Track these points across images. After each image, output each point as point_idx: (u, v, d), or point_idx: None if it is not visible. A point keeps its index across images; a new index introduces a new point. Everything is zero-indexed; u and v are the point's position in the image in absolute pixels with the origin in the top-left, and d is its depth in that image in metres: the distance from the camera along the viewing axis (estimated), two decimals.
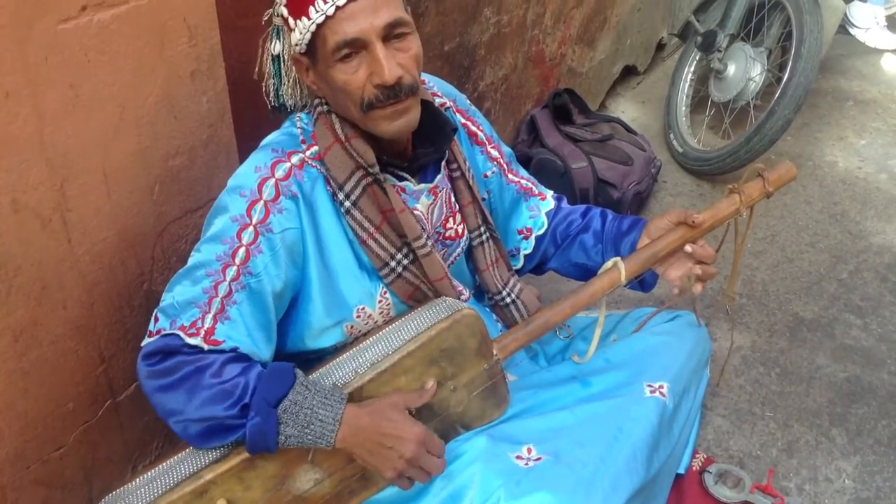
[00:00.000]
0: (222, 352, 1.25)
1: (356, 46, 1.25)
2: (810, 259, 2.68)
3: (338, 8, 1.22)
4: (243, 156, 1.56)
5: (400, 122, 1.31)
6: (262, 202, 1.29)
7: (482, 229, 1.57)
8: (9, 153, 1.15)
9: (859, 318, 2.39)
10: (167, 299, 1.28)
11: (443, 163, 1.49)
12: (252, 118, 1.59)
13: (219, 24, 1.44)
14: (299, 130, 1.39)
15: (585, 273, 1.64)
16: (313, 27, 1.24)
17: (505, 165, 1.68)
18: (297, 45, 1.29)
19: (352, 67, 1.26)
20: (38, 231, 1.23)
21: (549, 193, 1.75)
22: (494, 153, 1.66)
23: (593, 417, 1.46)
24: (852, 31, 4.25)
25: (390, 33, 1.26)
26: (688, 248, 1.53)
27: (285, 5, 1.29)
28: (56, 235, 1.26)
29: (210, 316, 1.26)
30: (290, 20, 1.28)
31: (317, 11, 1.23)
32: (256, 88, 1.54)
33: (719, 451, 1.92)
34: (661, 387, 1.54)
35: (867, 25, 4.20)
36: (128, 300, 1.45)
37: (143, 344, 1.27)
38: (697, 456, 1.83)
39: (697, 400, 1.72)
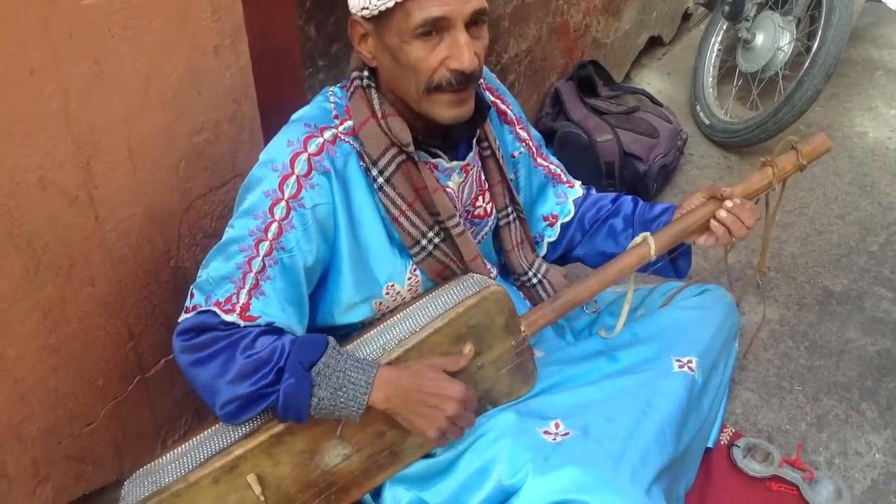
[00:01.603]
0: (257, 326, 1.25)
1: (439, 27, 1.22)
2: (840, 231, 2.64)
3: None
4: (267, 131, 1.55)
5: (458, 111, 1.30)
6: (294, 177, 1.28)
7: (510, 209, 1.56)
8: (35, 130, 1.16)
9: (890, 290, 2.36)
10: (202, 275, 1.28)
11: (474, 141, 1.48)
12: (276, 93, 1.58)
13: None
14: (332, 105, 1.37)
15: None
16: None
17: (535, 149, 1.66)
18: (366, 8, 1.24)
19: (430, 46, 1.23)
20: (65, 208, 1.24)
21: (578, 182, 1.72)
22: (523, 134, 1.63)
23: (621, 392, 1.45)
24: None
25: (473, 20, 1.24)
26: (736, 199, 1.48)
27: None
28: (83, 212, 1.27)
29: (245, 291, 1.26)
30: None
31: None
32: (280, 62, 1.53)
33: (748, 425, 1.90)
34: (689, 361, 1.53)
35: None
36: (155, 276, 1.45)
37: (179, 320, 1.28)
38: (726, 430, 1.82)
39: (727, 375, 1.71)
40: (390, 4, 1.21)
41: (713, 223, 1.49)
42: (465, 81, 1.26)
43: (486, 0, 1.25)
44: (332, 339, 1.28)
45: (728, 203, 1.47)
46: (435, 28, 1.22)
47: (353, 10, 1.28)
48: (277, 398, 1.22)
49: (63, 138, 1.20)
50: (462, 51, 1.23)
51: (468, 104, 1.31)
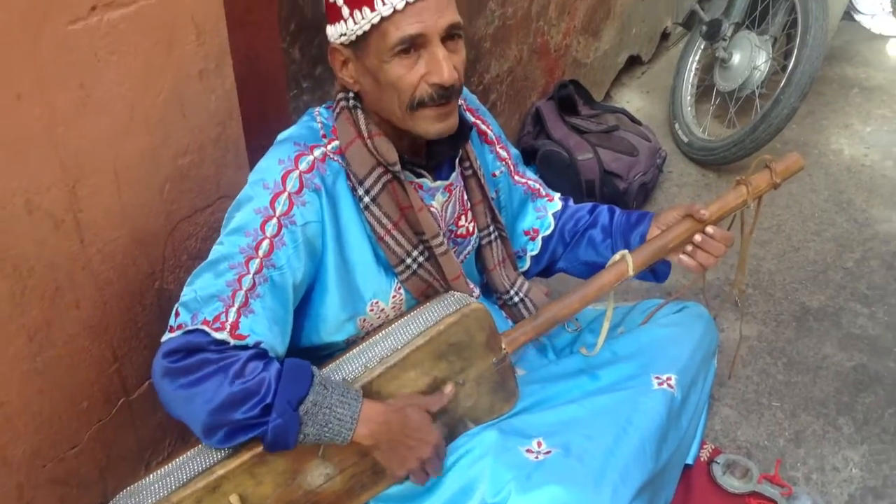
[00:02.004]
0: (245, 347, 1.25)
1: (417, 43, 1.25)
2: (816, 248, 2.69)
3: (408, 3, 1.21)
4: (252, 152, 1.57)
5: (444, 125, 1.33)
6: (285, 194, 1.29)
7: (491, 228, 1.58)
8: (21, 154, 1.16)
9: (866, 306, 2.40)
10: (188, 293, 1.28)
11: (457, 160, 1.50)
12: (261, 114, 1.60)
13: (226, 22, 1.44)
14: (319, 125, 1.39)
15: (594, 272, 1.65)
16: (377, 19, 1.23)
17: (512, 166, 1.69)
18: (343, 35, 1.28)
19: (409, 64, 1.26)
20: (52, 231, 1.24)
21: (557, 195, 1.75)
22: (503, 153, 1.66)
23: (602, 410, 1.47)
24: (858, 17, 4.24)
25: (448, 34, 1.27)
26: (709, 229, 1.52)
27: None
28: (69, 236, 1.27)
29: (234, 309, 1.25)
30: (344, 9, 1.26)
31: (384, 4, 1.21)
32: (265, 84, 1.54)
33: (727, 441, 1.93)
34: (668, 378, 1.55)
35: (873, 11, 4.19)
36: (139, 299, 1.46)
37: (163, 339, 1.27)
38: (705, 446, 1.84)
39: (705, 391, 1.73)
40: (367, 27, 1.24)
41: (683, 258, 1.54)
42: (446, 95, 1.28)
43: (458, 15, 1.28)
44: (316, 371, 1.29)
45: (697, 237, 1.52)
46: (412, 45, 1.25)
47: (332, 39, 1.31)
48: (265, 433, 1.22)
49: (50, 162, 1.21)
50: (441, 65, 1.25)
51: (452, 118, 1.34)
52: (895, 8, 4.25)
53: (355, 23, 1.25)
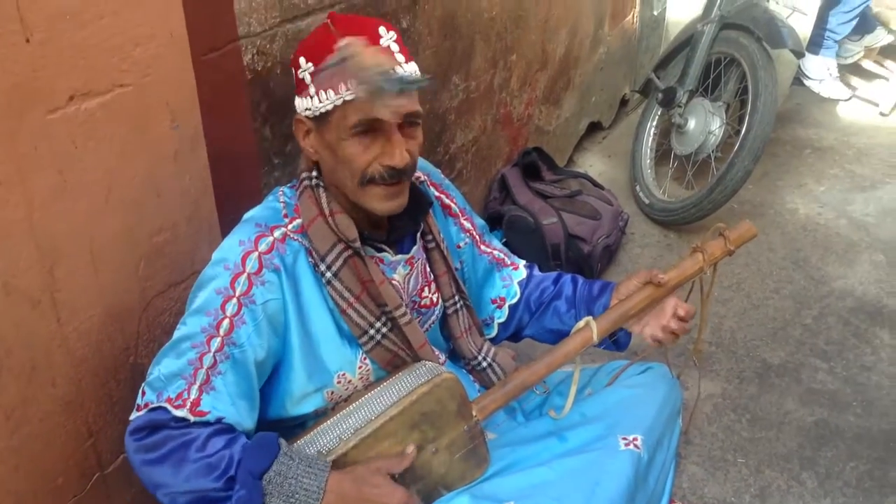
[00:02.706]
0: (207, 423, 1.29)
1: (374, 127, 1.33)
2: (775, 305, 2.77)
3: None
4: (225, 227, 1.61)
5: (392, 203, 1.40)
6: (245, 275, 1.34)
7: (456, 298, 1.64)
8: (0, 240, 1.20)
9: (825, 361, 2.47)
10: (153, 373, 1.32)
11: (418, 234, 1.56)
12: (234, 190, 1.65)
13: (200, 106, 1.50)
14: (282, 204, 1.45)
15: (560, 338, 1.70)
16: (339, 101, 1.31)
17: (477, 237, 1.75)
18: (308, 109, 1.37)
19: (365, 144, 1.34)
20: (29, 312, 1.27)
21: (521, 263, 1.81)
22: (467, 224, 1.73)
23: (571, 472, 1.50)
24: (807, 82, 4.42)
25: (406, 122, 1.35)
26: (680, 311, 1.60)
27: (311, 73, 1.35)
28: (45, 316, 1.30)
29: (195, 387, 1.30)
30: (311, 87, 1.35)
31: (347, 90, 1.30)
32: (237, 162, 1.60)
33: (695, 498, 1.97)
34: (635, 439, 1.58)
35: (821, 77, 4.37)
36: (114, 374, 1.48)
37: (130, 418, 1.31)
38: None
39: (671, 449, 1.77)
40: (330, 107, 1.33)
41: (649, 341, 1.63)
42: (396, 176, 1.36)
43: (418, 104, 1.37)
44: (283, 443, 1.32)
45: (673, 324, 1.60)
46: (370, 127, 1.33)
47: (299, 110, 1.40)
48: None
49: (27, 245, 1.24)
50: (394, 149, 1.34)
51: (401, 197, 1.41)
52: (841, 73, 4.45)
53: (320, 101, 1.34)
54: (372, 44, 1.32)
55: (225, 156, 1.59)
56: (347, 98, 1.30)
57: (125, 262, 1.44)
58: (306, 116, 1.39)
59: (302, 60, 1.37)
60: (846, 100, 4.42)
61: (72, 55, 1.23)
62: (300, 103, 1.39)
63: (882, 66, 4.68)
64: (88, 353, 1.41)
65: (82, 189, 1.31)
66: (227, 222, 1.62)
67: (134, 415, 1.31)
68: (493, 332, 1.79)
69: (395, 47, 1.35)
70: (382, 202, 1.39)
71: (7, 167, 1.19)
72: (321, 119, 1.37)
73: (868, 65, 4.66)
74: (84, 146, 1.30)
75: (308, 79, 1.36)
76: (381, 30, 1.35)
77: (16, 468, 1.32)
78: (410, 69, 1.35)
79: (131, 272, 1.46)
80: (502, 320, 1.78)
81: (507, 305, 1.77)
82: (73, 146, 1.28)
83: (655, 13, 4.21)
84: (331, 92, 1.32)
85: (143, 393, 1.32)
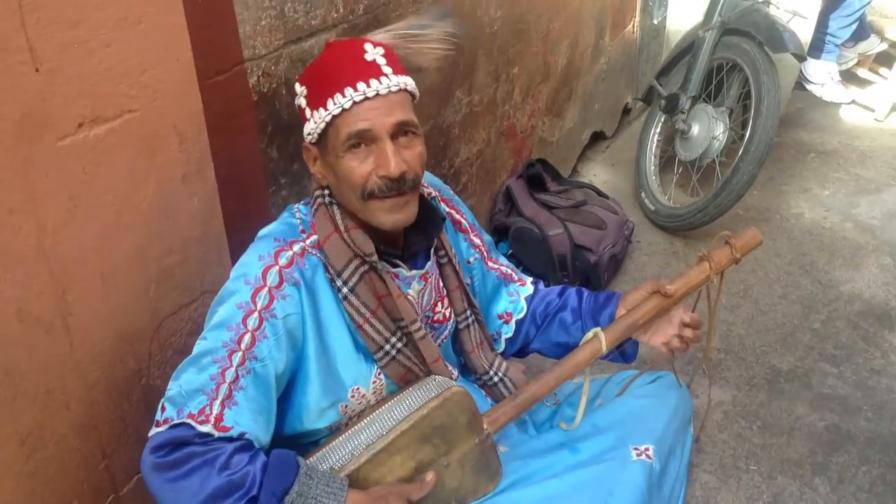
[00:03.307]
0: (230, 439, 1.29)
1: (366, 138, 1.36)
2: (783, 311, 2.77)
3: (355, 103, 1.33)
4: (234, 247, 1.63)
5: (399, 216, 1.41)
6: (266, 289, 1.35)
7: (468, 313, 1.65)
8: (13, 266, 1.21)
9: (834, 366, 2.47)
10: (174, 388, 1.32)
11: (432, 250, 1.57)
12: (242, 211, 1.66)
13: (207, 128, 1.52)
14: (298, 220, 1.46)
15: (567, 352, 1.70)
16: (329, 118, 1.35)
17: (486, 253, 1.76)
18: (309, 134, 1.41)
19: (359, 157, 1.36)
20: (42, 337, 1.29)
21: (528, 279, 1.82)
22: (476, 240, 1.74)
23: (584, 484, 1.51)
24: (809, 87, 4.43)
25: (399, 132, 1.37)
26: (685, 318, 1.63)
27: (305, 97, 1.40)
28: (59, 340, 1.32)
29: (218, 402, 1.29)
30: (307, 111, 1.39)
31: (334, 104, 1.34)
32: (245, 183, 1.61)
33: None
34: (646, 449, 1.59)
35: (822, 81, 4.38)
36: (127, 396, 1.49)
37: (150, 434, 1.30)
38: None
39: (685, 459, 1.77)
40: (322, 126, 1.37)
41: (663, 349, 1.65)
42: (395, 187, 1.37)
43: (412, 114, 1.40)
44: (301, 461, 1.32)
45: (688, 332, 1.64)
46: (363, 140, 1.36)
47: (305, 138, 1.43)
48: None
49: (39, 271, 1.26)
50: (387, 159, 1.35)
51: (406, 210, 1.42)
52: (843, 77, 4.46)
53: (315, 122, 1.38)
54: (358, 59, 1.36)
55: (232, 177, 1.61)
56: (335, 112, 1.34)
57: (136, 285, 1.46)
58: (310, 143, 1.42)
59: (297, 86, 1.42)
60: (848, 103, 4.43)
61: (80, 83, 1.25)
62: (305, 130, 1.42)
63: (877, 73, 4.70)
64: (101, 376, 1.42)
65: (93, 214, 1.33)
66: (236, 243, 1.63)
67: (153, 431, 1.30)
68: (501, 348, 1.80)
69: (381, 61, 1.38)
70: (387, 215, 1.40)
71: (19, 195, 1.20)
72: (321, 142, 1.40)
73: (863, 73, 4.67)
74: (94, 172, 1.31)
75: (303, 103, 1.41)
76: (367, 46, 1.38)
77: (31, 492, 1.33)
78: (397, 80, 1.37)
79: (142, 294, 1.47)
80: (509, 335, 1.79)
81: (513, 321, 1.78)
82: (83, 172, 1.29)
83: (656, 22, 4.23)
84: (322, 110, 1.35)
85: (164, 408, 1.31)
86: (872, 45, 4.51)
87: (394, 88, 1.37)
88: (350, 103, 1.33)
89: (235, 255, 1.63)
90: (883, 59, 4.67)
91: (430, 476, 1.41)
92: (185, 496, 1.25)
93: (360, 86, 1.34)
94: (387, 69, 1.37)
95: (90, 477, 1.45)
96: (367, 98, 1.34)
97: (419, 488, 1.39)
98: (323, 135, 1.39)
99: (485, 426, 1.49)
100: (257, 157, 1.69)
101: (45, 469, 1.35)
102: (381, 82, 1.35)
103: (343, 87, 1.34)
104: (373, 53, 1.38)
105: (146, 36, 1.35)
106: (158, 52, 1.38)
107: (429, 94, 2.35)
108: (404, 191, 1.39)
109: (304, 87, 1.41)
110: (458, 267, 1.61)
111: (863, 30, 4.35)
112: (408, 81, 1.40)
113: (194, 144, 1.50)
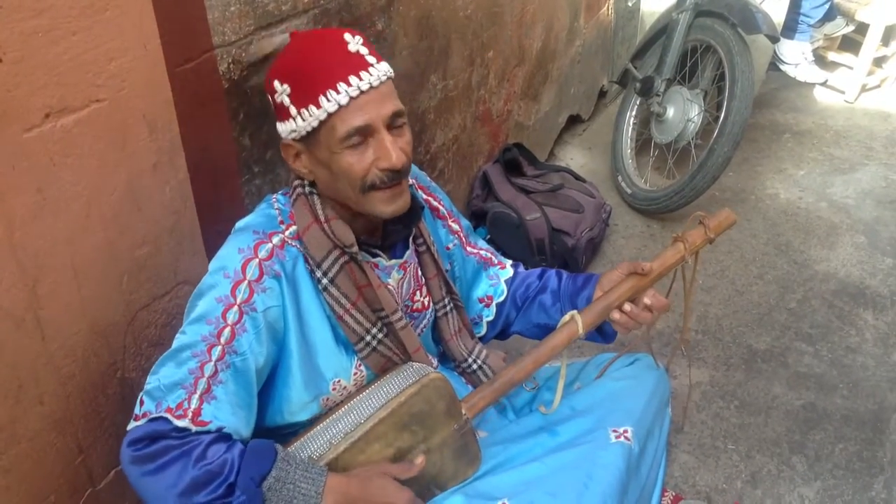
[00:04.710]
0: (208, 432, 1.28)
1: (364, 133, 1.33)
2: (760, 291, 2.79)
3: (351, 98, 1.30)
4: (207, 238, 1.61)
5: (396, 205, 1.40)
6: (245, 282, 1.34)
7: (447, 300, 1.64)
8: None
9: (810, 345, 2.49)
10: (152, 382, 1.30)
11: (410, 238, 1.56)
12: (215, 200, 1.64)
13: (177, 116, 1.50)
14: (277, 211, 1.44)
15: (547, 333, 1.71)
16: (323, 115, 1.31)
17: (464, 238, 1.76)
18: (294, 131, 1.36)
19: (358, 152, 1.34)
20: (13, 331, 1.27)
21: (508, 262, 1.82)
22: (455, 226, 1.74)
23: (563, 466, 1.51)
24: (783, 67, 4.44)
25: (393, 122, 1.35)
26: (646, 300, 1.60)
27: (288, 95, 1.34)
28: (30, 334, 1.30)
29: (196, 397, 1.28)
30: (292, 109, 1.34)
31: (329, 101, 1.30)
32: (217, 172, 1.59)
33: (687, 487, 1.98)
34: (625, 431, 1.60)
35: (796, 61, 4.40)
36: (102, 389, 1.47)
37: (128, 428, 1.29)
38: (666, 494, 1.89)
39: (662, 440, 1.78)
40: (315, 124, 1.32)
41: (615, 316, 1.60)
42: (396, 177, 1.36)
43: (400, 102, 1.37)
44: (279, 448, 1.31)
45: (626, 306, 1.58)
46: (360, 135, 1.33)
47: (283, 135, 1.39)
48: None
49: (8, 265, 1.24)
50: (389, 151, 1.33)
51: (404, 197, 1.41)
52: (817, 57, 4.48)
53: (304, 120, 1.33)
54: (342, 51, 1.33)
55: (205, 166, 1.59)
56: (331, 110, 1.30)
57: (108, 277, 1.44)
58: (293, 139, 1.38)
59: (276, 84, 1.36)
60: (822, 83, 4.45)
61: (45, 73, 1.22)
62: (284, 127, 1.38)
63: (845, 53, 4.72)
64: (75, 370, 1.41)
65: (62, 206, 1.31)
66: (209, 232, 1.62)
67: (132, 425, 1.29)
68: (483, 331, 1.80)
69: (364, 50, 1.35)
70: (387, 205, 1.39)
71: None
72: (309, 139, 1.36)
73: (832, 55, 4.69)
74: (62, 163, 1.29)
75: (287, 101, 1.35)
76: (347, 36, 1.35)
77: (7, 489, 1.32)
78: (383, 69, 1.35)
79: (115, 287, 1.46)
80: (490, 318, 1.79)
81: (494, 304, 1.78)
82: (51, 163, 1.27)
83: (630, 4, 4.23)
84: (313, 108, 1.31)
85: (142, 402, 1.30)
86: (838, 27, 4.53)
87: (383, 78, 1.34)
88: (346, 98, 1.30)
89: (209, 244, 1.62)
90: (849, 43, 4.68)
91: (419, 459, 1.42)
92: (163, 488, 1.24)
93: (353, 80, 1.30)
94: (371, 59, 1.34)
95: (67, 471, 1.43)
96: (361, 92, 1.31)
97: (407, 469, 1.40)
98: (312, 132, 1.34)
99: (463, 411, 1.49)
100: (229, 146, 1.67)
101: (19, 465, 1.33)
102: (371, 74, 1.32)
103: (335, 82, 1.30)
104: (354, 44, 1.35)
105: (113, 24, 1.33)
106: (125, 40, 1.36)
107: (403, 80, 2.33)
108: (402, 179, 1.38)
109: (285, 85, 1.34)
110: (436, 255, 1.60)
111: (831, 11, 4.37)
112: (389, 68, 1.37)
113: (164, 133, 1.47)
